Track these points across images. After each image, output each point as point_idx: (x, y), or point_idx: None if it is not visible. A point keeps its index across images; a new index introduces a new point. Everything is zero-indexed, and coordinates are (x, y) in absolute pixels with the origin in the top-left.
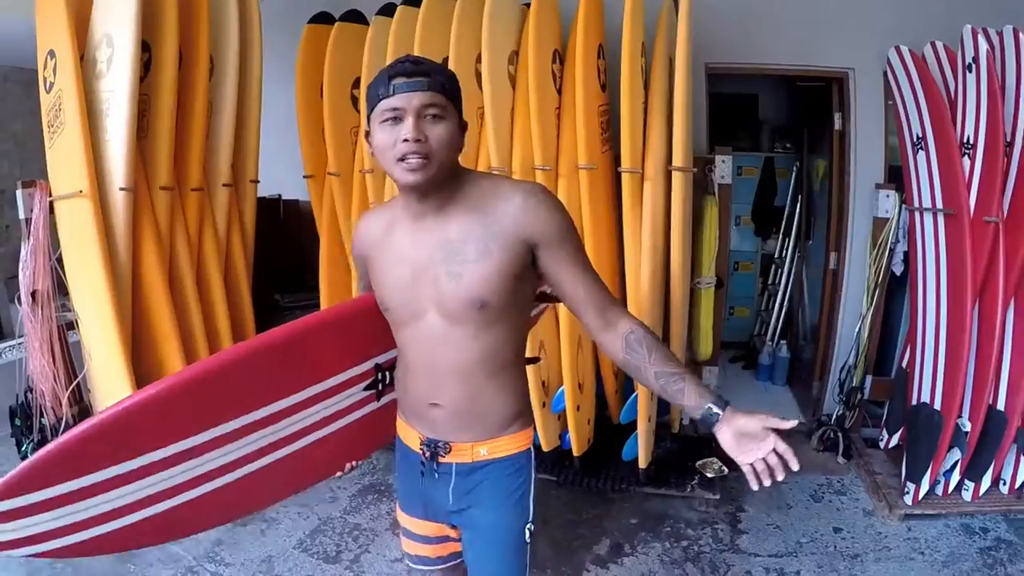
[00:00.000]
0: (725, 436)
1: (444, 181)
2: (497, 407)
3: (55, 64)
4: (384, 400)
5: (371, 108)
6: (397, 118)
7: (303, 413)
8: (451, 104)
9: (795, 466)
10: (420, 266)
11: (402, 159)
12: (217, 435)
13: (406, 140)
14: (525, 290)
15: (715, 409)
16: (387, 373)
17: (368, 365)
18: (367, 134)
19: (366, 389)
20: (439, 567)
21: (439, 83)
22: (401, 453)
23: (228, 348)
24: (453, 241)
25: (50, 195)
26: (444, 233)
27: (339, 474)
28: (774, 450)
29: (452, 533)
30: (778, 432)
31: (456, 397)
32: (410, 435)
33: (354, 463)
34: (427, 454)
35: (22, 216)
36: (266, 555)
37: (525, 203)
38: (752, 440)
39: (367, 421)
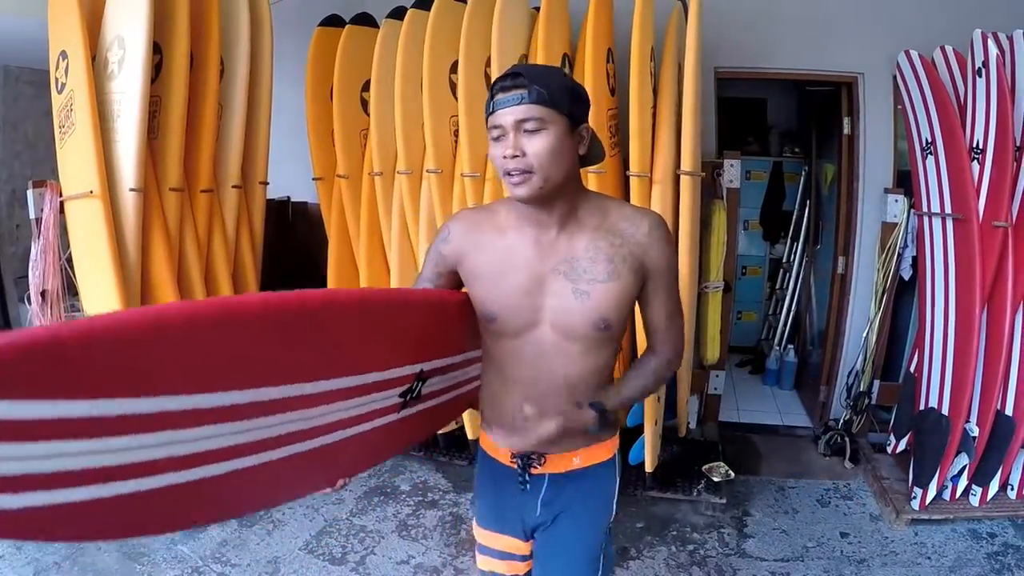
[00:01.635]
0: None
1: (560, 194)
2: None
3: (67, 65)
4: (403, 413)
5: (487, 120)
6: (500, 136)
7: (335, 405)
8: (554, 113)
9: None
10: (543, 277)
11: (508, 173)
12: (239, 402)
13: (505, 156)
14: (626, 316)
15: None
16: (421, 384)
17: (414, 369)
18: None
19: (400, 396)
20: None
21: (537, 94)
22: (486, 466)
23: (304, 293)
24: (581, 259)
25: (61, 195)
26: (571, 249)
27: (328, 490)
28: None
29: (527, 550)
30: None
31: (559, 411)
32: (499, 448)
33: (346, 480)
34: (520, 466)
35: (33, 216)
36: (272, 556)
37: (651, 233)
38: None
39: (382, 432)
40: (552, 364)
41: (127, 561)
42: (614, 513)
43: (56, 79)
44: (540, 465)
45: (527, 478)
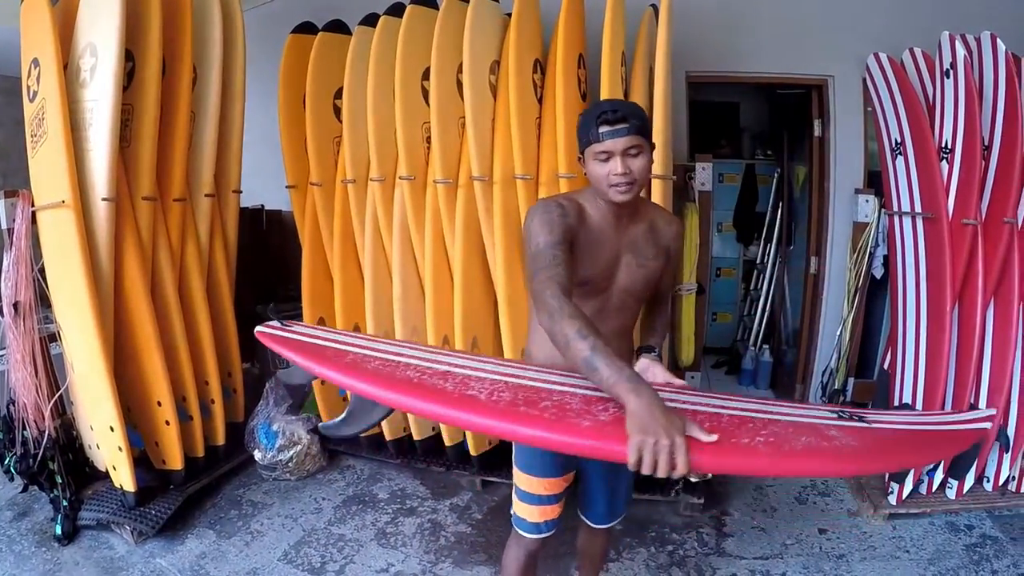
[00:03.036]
0: (641, 363)
1: (637, 198)
2: (630, 360)
3: (39, 73)
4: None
5: (584, 145)
6: (607, 158)
7: None
8: (646, 141)
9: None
10: (619, 253)
11: (615, 186)
12: None
13: (617, 174)
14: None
15: (655, 350)
16: None
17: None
18: (580, 159)
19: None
20: (555, 529)
21: (636, 127)
22: None
23: None
24: (640, 242)
25: (33, 205)
26: (634, 234)
27: None
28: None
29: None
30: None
31: (616, 351)
32: None
33: None
34: None
35: (4, 226)
36: (251, 568)
37: (678, 232)
38: (652, 376)
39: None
40: (618, 315)
41: (104, 575)
42: None
43: (28, 87)
44: None
45: None
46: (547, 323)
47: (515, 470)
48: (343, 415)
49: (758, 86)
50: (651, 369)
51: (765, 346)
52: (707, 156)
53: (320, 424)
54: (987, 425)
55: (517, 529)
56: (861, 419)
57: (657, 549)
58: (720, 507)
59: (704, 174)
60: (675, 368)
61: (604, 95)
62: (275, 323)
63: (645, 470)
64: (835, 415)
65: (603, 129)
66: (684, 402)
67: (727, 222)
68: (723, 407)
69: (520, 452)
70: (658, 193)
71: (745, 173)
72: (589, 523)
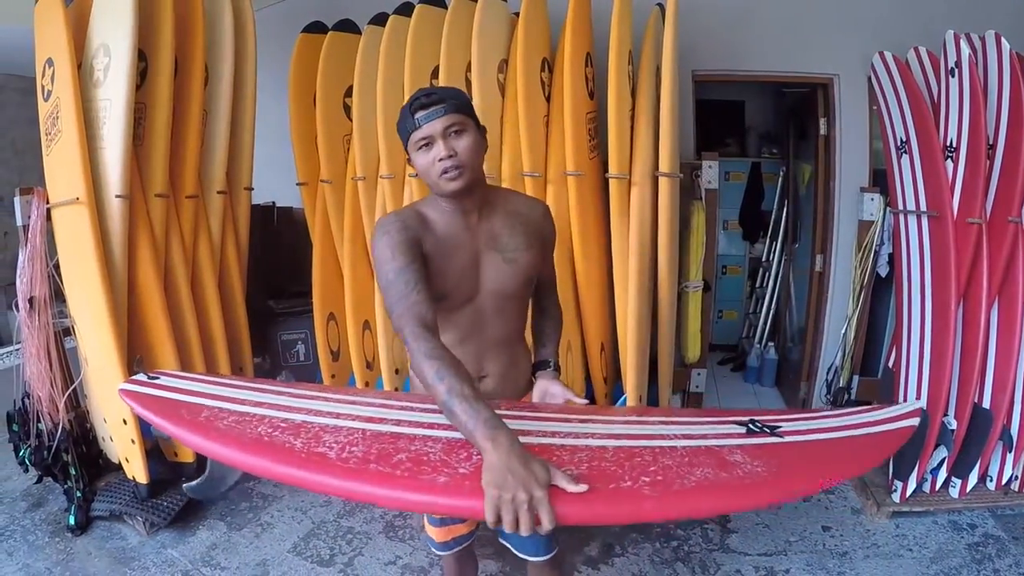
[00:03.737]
0: (539, 385)
1: (477, 185)
2: (525, 367)
3: (53, 72)
4: None
5: (405, 140)
6: (428, 144)
7: None
8: (467, 118)
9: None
10: (477, 254)
11: (443, 173)
12: None
13: (441, 159)
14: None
15: (551, 365)
16: None
17: None
18: (408, 160)
19: None
20: (468, 542)
21: (453, 105)
22: None
23: None
24: (502, 235)
25: (47, 202)
26: (492, 228)
27: None
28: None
29: None
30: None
31: (502, 364)
32: None
33: None
34: None
35: (20, 223)
36: (261, 559)
37: (545, 216)
38: (552, 398)
39: None
40: (496, 323)
41: (117, 566)
42: None
43: (42, 86)
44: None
45: None
46: (412, 362)
47: None
48: (202, 477)
49: (764, 85)
50: (549, 390)
51: (770, 343)
52: (713, 154)
53: (185, 486)
54: (914, 422)
55: (431, 548)
56: (773, 431)
57: (662, 544)
58: None
59: (711, 172)
60: (681, 365)
61: (611, 93)
62: (140, 376)
63: (507, 528)
64: (744, 429)
65: (419, 115)
66: (567, 435)
67: (733, 220)
68: (612, 435)
69: None
70: (665, 191)
71: (751, 171)
72: (518, 554)
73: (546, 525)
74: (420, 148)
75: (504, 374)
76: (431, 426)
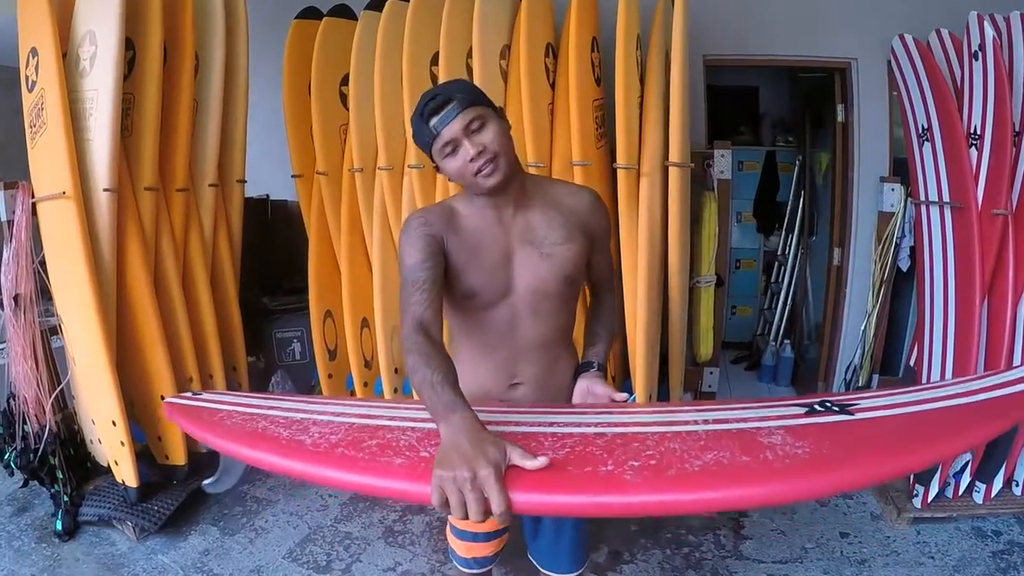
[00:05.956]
0: (579, 386)
1: (513, 176)
2: (566, 372)
3: (37, 62)
4: None
5: (428, 150)
6: (454, 148)
7: None
8: (484, 108)
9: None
10: (510, 249)
11: (479, 172)
12: None
13: (472, 159)
14: (583, 274)
15: (595, 366)
16: None
17: None
18: (437, 169)
19: None
20: (489, 567)
21: (466, 100)
22: None
23: None
24: (539, 228)
25: (33, 196)
26: (528, 221)
27: None
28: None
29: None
30: None
31: (539, 369)
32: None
33: None
34: None
35: (3, 218)
36: (255, 565)
37: (592, 205)
38: (594, 399)
39: None
40: (530, 324)
41: (106, 572)
42: None
43: (26, 77)
44: None
45: None
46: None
47: None
48: (218, 472)
49: (778, 70)
50: (592, 390)
51: (786, 341)
52: (726, 143)
53: (204, 484)
54: None
55: (452, 560)
56: (844, 410)
57: (672, 551)
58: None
59: (723, 161)
60: (692, 363)
61: (619, 80)
62: (187, 394)
63: (455, 513)
64: (805, 410)
65: (433, 121)
66: (568, 423)
67: (747, 212)
68: (622, 423)
69: None
70: (676, 182)
71: (765, 160)
72: (542, 570)
73: (495, 508)
74: (447, 155)
75: (541, 380)
76: (419, 420)
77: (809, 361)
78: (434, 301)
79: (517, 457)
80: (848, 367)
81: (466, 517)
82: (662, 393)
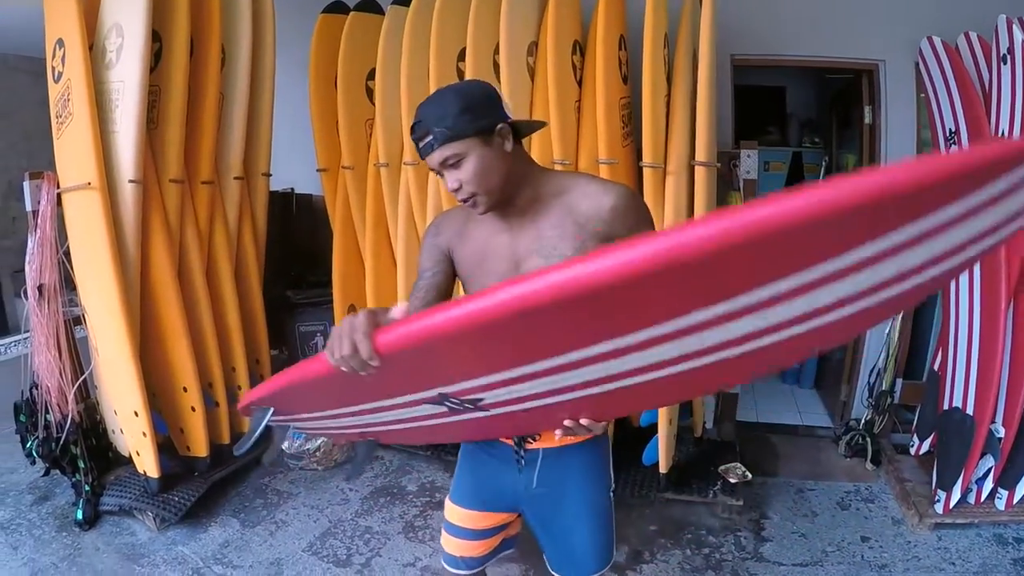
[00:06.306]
0: None
1: (514, 189)
2: None
3: (64, 54)
4: None
5: None
6: (439, 172)
7: None
8: (462, 143)
9: None
10: (519, 260)
11: (463, 201)
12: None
13: (453, 190)
14: None
15: None
16: None
17: None
18: None
19: None
20: (479, 568)
21: (441, 135)
22: (475, 446)
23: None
24: (549, 237)
25: (58, 187)
26: (539, 229)
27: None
28: None
29: (508, 520)
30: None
31: None
32: None
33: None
34: (515, 443)
35: (29, 208)
36: (275, 558)
37: (614, 208)
38: None
39: None
40: None
41: (126, 562)
42: (611, 476)
43: (53, 68)
44: (534, 441)
45: (523, 455)
46: None
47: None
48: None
49: (806, 70)
50: None
51: None
52: (752, 143)
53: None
54: None
55: (442, 560)
56: None
57: (693, 552)
58: (759, 510)
59: (749, 162)
60: None
61: (646, 78)
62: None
63: (335, 358)
64: None
65: (418, 147)
66: None
67: None
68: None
69: (455, 477)
70: (702, 181)
71: (791, 161)
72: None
73: (361, 347)
74: (437, 174)
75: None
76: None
77: (833, 363)
78: (429, 305)
79: (387, 315)
80: (872, 370)
81: (341, 363)
82: None
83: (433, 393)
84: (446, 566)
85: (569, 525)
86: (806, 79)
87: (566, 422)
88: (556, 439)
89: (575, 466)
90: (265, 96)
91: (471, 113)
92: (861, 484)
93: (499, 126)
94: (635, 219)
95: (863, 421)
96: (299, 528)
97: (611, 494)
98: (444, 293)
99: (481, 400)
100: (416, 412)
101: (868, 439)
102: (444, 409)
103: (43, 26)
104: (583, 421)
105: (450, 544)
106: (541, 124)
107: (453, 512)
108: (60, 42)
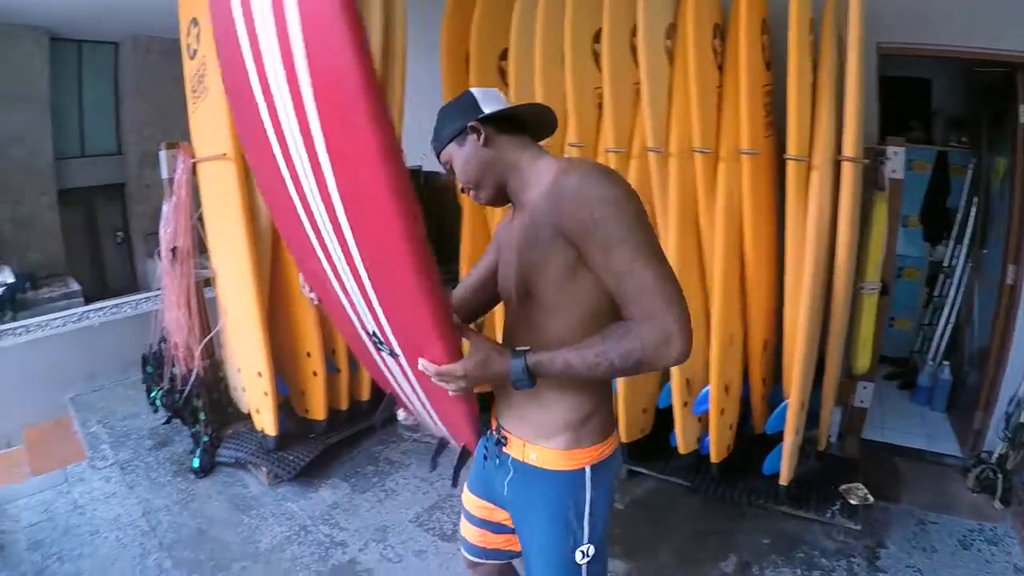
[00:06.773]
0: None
1: (506, 180)
2: (533, 407)
3: (198, 32)
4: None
5: None
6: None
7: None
8: (446, 149)
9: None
10: (510, 251)
11: (467, 194)
12: None
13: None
14: (578, 288)
15: (524, 356)
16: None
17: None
18: None
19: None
20: (475, 558)
21: (436, 148)
22: (486, 434)
23: None
24: (519, 233)
25: (193, 157)
26: (519, 220)
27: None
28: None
29: (502, 518)
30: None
31: (521, 396)
32: (492, 416)
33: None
34: (495, 435)
35: (165, 176)
36: (381, 524)
37: (552, 195)
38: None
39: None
40: (524, 331)
41: (235, 512)
42: (587, 534)
43: (188, 45)
44: (505, 444)
45: (498, 452)
46: None
47: None
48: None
49: (954, 62)
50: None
51: (945, 362)
52: (899, 140)
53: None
54: None
55: (463, 550)
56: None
57: (803, 571)
58: (877, 537)
59: (896, 160)
60: (847, 376)
61: (792, 65)
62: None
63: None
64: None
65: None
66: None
67: (913, 216)
68: None
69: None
70: (848, 178)
71: (936, 161)
72: None
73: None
74: None
75: (511, 397)
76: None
77: (968, 387)
78: (465, 288)
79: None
80: (1012, 399)
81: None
82: (814, 402)
83: (368, 335)
84: (467, 555)
85: (526, 557)
86: (954, 72)
87: (420, 364)
88: (520, 450)
89: (537, 499)
90: (396, 74)
91: (446, 122)
92: (986, 524)
93: (469, 125)
94: (579, 204)
95: (996, 454)
96: (407, 498)
97: (583, 553)
98: (479, 280)
99: (374, 333)
100: (377, 359)
101: (999, 475)
102: (375, 349)
103: (175, 8)
104: (422, 362)
105: (462, 523)
106: (537, 107)
107: (464, 494)
108: (195, 21)
